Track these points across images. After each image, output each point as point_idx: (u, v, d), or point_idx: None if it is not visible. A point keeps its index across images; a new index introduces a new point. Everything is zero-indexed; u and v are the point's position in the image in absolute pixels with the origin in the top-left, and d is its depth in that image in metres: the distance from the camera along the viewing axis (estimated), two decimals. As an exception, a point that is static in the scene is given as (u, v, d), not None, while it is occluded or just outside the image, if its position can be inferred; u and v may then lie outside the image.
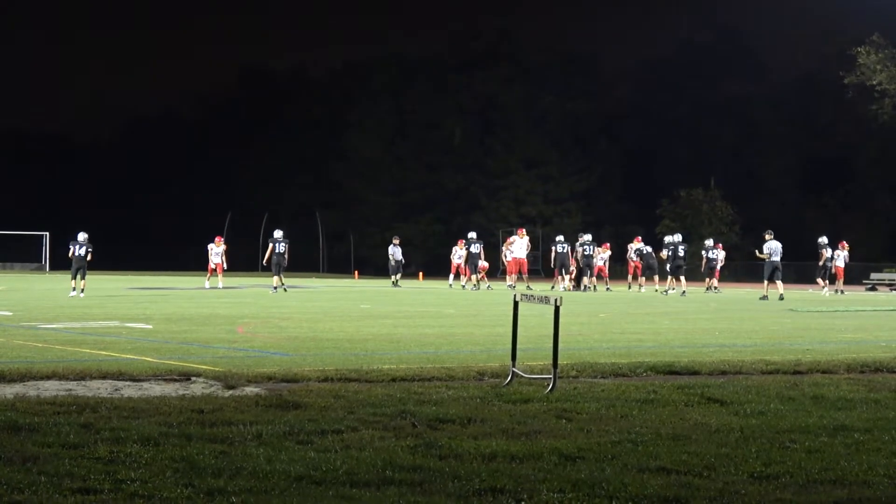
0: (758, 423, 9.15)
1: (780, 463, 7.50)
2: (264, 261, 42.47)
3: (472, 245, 48.19)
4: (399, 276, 51.48)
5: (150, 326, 19.82)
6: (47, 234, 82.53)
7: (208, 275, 44.62)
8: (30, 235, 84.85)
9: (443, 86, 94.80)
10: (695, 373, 12.78)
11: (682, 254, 44.27)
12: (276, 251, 41.25)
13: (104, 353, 14.47)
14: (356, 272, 77.28)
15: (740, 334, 19.80)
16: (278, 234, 42.03)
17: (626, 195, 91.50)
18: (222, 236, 47.85)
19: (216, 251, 44.66)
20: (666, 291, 43.11)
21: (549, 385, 10.87)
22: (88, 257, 35.12)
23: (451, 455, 7.62)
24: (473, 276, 47.83)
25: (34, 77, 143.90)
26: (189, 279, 54.67)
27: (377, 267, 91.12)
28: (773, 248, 37.99)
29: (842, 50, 75.22)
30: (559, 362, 11.16)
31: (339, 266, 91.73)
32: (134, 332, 18.35)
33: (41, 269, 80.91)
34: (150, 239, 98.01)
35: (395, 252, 51.56)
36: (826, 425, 9.06)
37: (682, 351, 15.76)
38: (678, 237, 46.40)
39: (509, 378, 11.45)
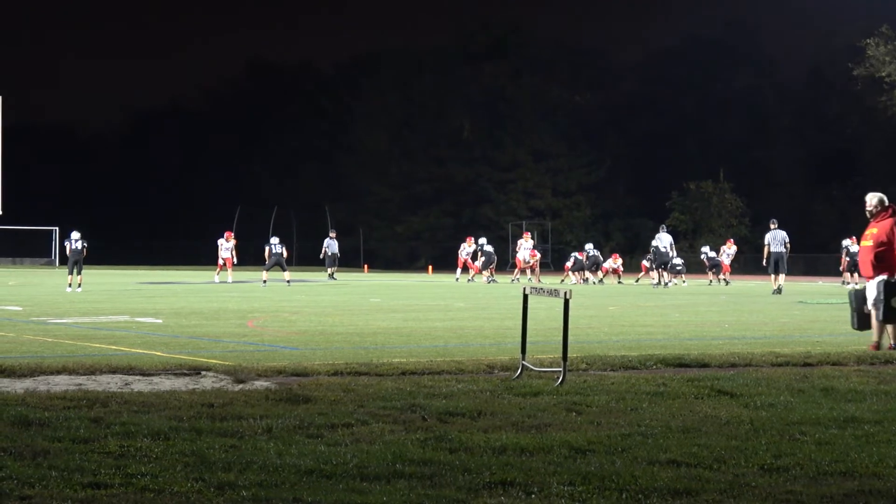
0: (768, 416, 9.14)
1: (790, 455, 7.50)
2: (266, 262, 43.12)
3: (485, 246, 49.72)
4: (335, 269, 51.70)
5: (160, 321, 19.86)
6: (57, 228, 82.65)
7: (218, 269, 45.10)
8: (39, 230, 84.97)
9: (451, 78, 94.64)
10: (704, 365, 12.78)
11: (663, 249, 44.62)
12: (273, 252, 42.07)
13: (114, 347, 14.50)
14: (366, 266, 77.29)
15: (750, 327, 19.80)
16: (275, 239, 43.53)
17: (635, 188, 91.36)
18: (232, 231, 47.99)
19: (226, 246, 45.13)
20: (664, 284, 43.15)
21: (558, 378, 10.87)
22: (84, 252, 35.57)
23: (462, 448, 7.62)
24: (485, 272, 48.48)
25: (42, 71, 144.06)
26: (199, 273, 54.72)
27: (387, 260, 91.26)
28: (769, 238, 37.38)
29: (850, 42, 75.02)
30: (569, 355, 11.16)
31: (348, 260, 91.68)
32: (144, 327, 18.38)
33: (51, 263, 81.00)
34: (159, 233, 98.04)
35: (330, 245, 51.89)
36: (836, 417, 9.05)
37: (691, 343, 15.76)
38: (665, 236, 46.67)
39: (519, 371, 11.45)
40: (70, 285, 34.05)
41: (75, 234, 36.22)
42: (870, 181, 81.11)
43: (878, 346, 14.63)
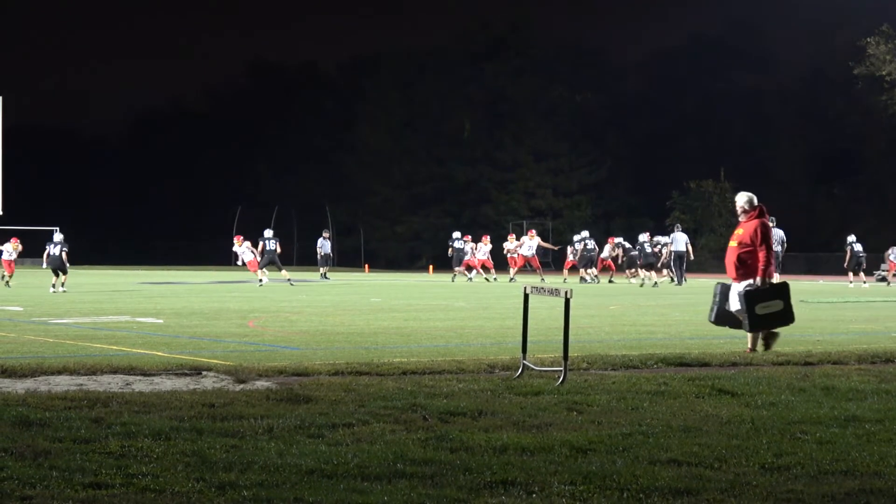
0: (769, 415, 9.14)
1: (791, 454, 7.50)
2: (257, 258, 42.48)
3: (455, 243, 50.26)
4: (327, 269, 51.64)
5: (161, 321, 19.86)
6: (57, 229, 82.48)
7: (257, 271, 42.62)
8: (40, 231, 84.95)
9: (452, 78, 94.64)
10: (705, 364, 12.78)
11: (649, 249, 44.73)
12: (268, 249, 41.51)
13: (115, 347, 14.50)
14: (366, 265, 77.34)
15: (751, 326, 19.75)
16: (268, 233, 42.82)
17: (636, 187, 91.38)
18: (240, 234, 46.54)
19: (240, 250, 43.89)
20: (653, 283, 43.21)
21: (559, 377, 10.87)
22: (64, 256, 34.77)
23: (463, 448, 7.62)
24: (457, 268, 48.81)
25: (43, 72, 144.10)
26: (200, 274, 54.72)
27: (388, 260, 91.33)
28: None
29: (851, 41, 75.03)
30: (570, 355, 11.16)
31: (349, 260, 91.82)
32: (144, 327, 18.39)
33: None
34: (159, 233, 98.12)
35: (323, 245, 51.89)
36: (837, 416, 9.05)
37: (692, 343, 15.76)
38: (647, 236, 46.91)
39: (520, 371, 11.45)
40: (54, 286, 33.53)
41: (57, 237, 35.57)
42: (871, 180, 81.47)
43: (767, 343, 14.35)
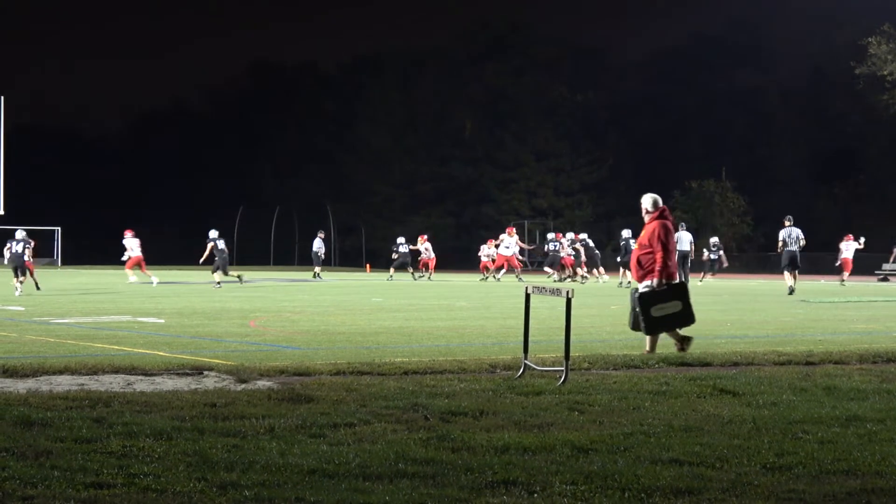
0: (770, 415, 9.14)
1: (792, 454, 7.49)
2: (201, 260, 41.40)
3: (401, 246, 52.04)
4: (320, 269, 51.83)
5: (162, 321, 19.85)
6: (59, 228, 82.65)
7: (139, 268, 41.76)
8: (41, 230, 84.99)
9: (453, 78, 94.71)
10: (707, 364, 12.78)
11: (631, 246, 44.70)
12: (219, 248, 39.94)
13: (116, 347, 14.50)
14: (368, 265, 77.26)
15: (752, 325, 19.78)
16: (214, 233, 40.83)
17: (637, 187, 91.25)
18: (132, 229, 43.13)
19: (129, 244, 41.66)
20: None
21: (561, 377, 10.87)
22: (27, 255, 33.26)
23: (464, 448, 7.62)
24: (392, 269, 50.89)
25: (43, 72, 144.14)
26: (201, 274, 54.67)
27: (389, 260, 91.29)
28: (784, 235, 36.78)
29: (852, 40, 75.05)
30: (571, 354, 11.16)
31: (350, 259, 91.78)
32: (146, 327, 18.38)
33: (53, 264, 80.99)
34: (161, 234, 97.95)
35: (320, 246, 52.06)
36: (838, 416, 9.04)
37: (693, 342, 15.73)
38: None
39: (521, 370, 11.45)
40: (21, 283, 31.95)
41: (19, 234, 34.00)
42: (872, 179, 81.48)
43: (681, 346, 14.10)
